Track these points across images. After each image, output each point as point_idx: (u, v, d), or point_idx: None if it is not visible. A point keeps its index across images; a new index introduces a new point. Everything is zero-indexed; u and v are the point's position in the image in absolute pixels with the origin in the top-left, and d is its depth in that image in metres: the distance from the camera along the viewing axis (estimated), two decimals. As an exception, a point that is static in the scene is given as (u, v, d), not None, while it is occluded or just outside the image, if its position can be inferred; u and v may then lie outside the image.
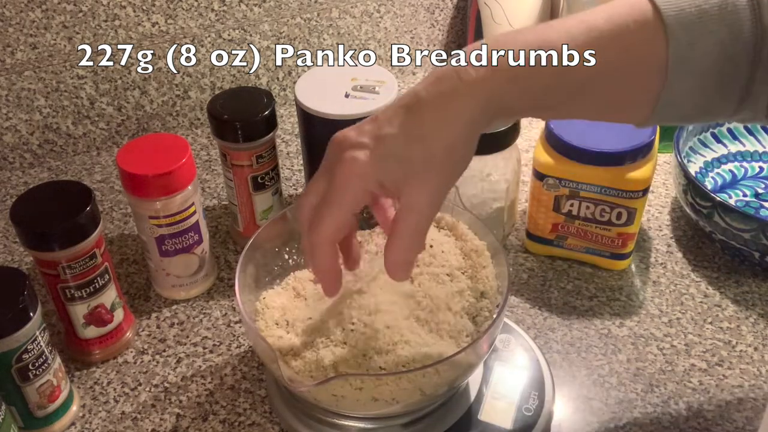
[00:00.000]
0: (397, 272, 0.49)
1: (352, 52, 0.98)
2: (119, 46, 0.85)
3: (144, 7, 0.84)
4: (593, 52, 0.46)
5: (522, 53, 0.46)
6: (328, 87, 0.70)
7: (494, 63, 0.46)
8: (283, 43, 0.93)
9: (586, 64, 0.46)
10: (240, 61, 0.92)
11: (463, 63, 0.46)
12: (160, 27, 0.86)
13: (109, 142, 0.91)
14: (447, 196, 0.49)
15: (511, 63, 0.46)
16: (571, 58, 0.46)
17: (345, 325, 0.55)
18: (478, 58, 0.46)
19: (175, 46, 0.88)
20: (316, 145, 0.71)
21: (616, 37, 0.47)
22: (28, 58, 0.83)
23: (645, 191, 0.67)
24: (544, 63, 0.46)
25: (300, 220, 0.50)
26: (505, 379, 0.60)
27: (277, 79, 0.96)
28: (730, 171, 0.82)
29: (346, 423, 0.57)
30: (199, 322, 0.69)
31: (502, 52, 0.46)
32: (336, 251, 0.50)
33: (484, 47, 0.46)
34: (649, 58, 0.46)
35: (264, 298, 0.60)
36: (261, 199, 0.73)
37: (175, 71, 0.89)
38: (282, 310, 0.59)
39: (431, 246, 0.60)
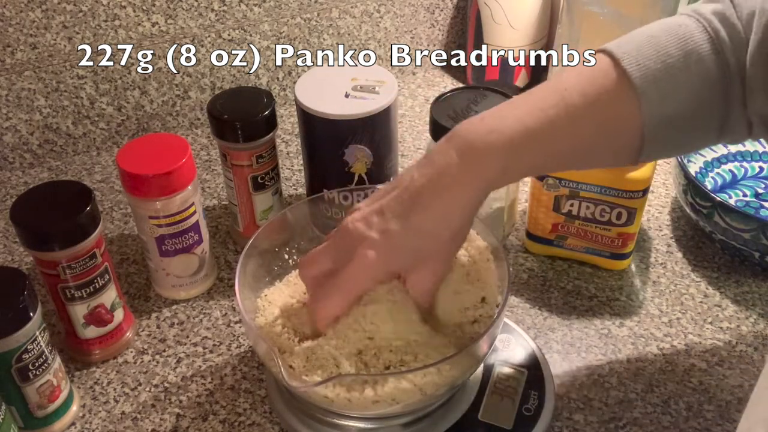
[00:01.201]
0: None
1: (352, 52, 0.98)
2: (119, 46, 0.85)
3: (144, 7, 0.84)
4: (574, 132, 0.50)
5: (503, 141, 0.49)
6: (328, 87, 0.70)
7: (485, 153, 0.49)
8: (283, 43, 0.93)
9: (567, 143, 0.51)
10: (240, 61, 0.92)
11: (450, 156, 0.50)
12: (160, 27, 0.86)
13: (109, 142, 0.91)
14: None
15: (502, 152, 0.49)
16: (553, 139, 0.50)
17: (346, 325, 0.55)
18: (465, 152, 0.50)
19: (175, 46, 0.88)
20: (316, 145, 0.71)
21: (592, 112, 0.50)
22: (28, 58, 0.83)
23: (645, 191, 0.67)
24: (530, 149, 0.50)
25: (303, 278, 0.56)
26: (505, 379, 0.60)
27: (277, 79, 0.96)
28: (730, 171, 0.82)
29: (346, 423, 0.57)
30: (199, 322, 0.69)
31: (485, 141, 0.50)
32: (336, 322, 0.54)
33: (464, 137, 0.50)
34: (626, 123, 0.50)
35: (266, 294, 0.60)
36: (261, 199, 0.73)
37: (175, 71, 0.89)
38: (283, 307, 0.59)
39: None
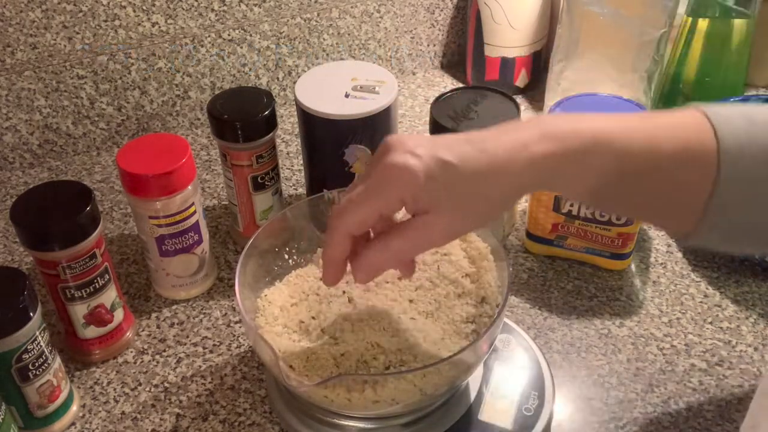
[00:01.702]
0: (361, 271, 0.49)
1: (352, 52, 0.98)
2: (119, 46, 0.85)
3: (144, 7, 0.84)
4: (652, 143, 0.48)
5: (585, 134, 0.47)
6: (328, 87, 0.70)
7: (562, 140, 0.47)
8: (283, 43, 0.93)
9: (643, 154, 0.48)
10: (240, 61, 0.92)
11: (530, 133, 0.47)
12: (160, 27, 0.86)
13: (109, 142, 0.91)
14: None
15: (579, 142, 0.47)
16: (630, 143, 0.47)
17: (346, 325, 0.56)
18: (546, 134, 0.47)
19: (175, 46, 0.88)
20: (316, 145, 0.71)
21: (669, 131, 0.48)
22: (28, 58, 0.83)
23: (645, 191, 0.67)
24: (607, 146, 0.47)
25: (335, 208, 0.49)
26: (505, 379, 0.60)
27: (277, 79, 0.96)
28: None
29: (346, 423, 0.57)
30: (199, 322, 0.69)
31: (570, 129, 0.47)
32: (348, 244, 0.49)
33: (550, 124, 0.48)
34: (702, 155, 0.47)
35: (265, 295, 0.60)
36: (261, 199, 0.73)
37: (175, 71, 0.89)
38: (283, 307, 0.59)
39: (442, 253, 0.60)
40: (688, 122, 0.48)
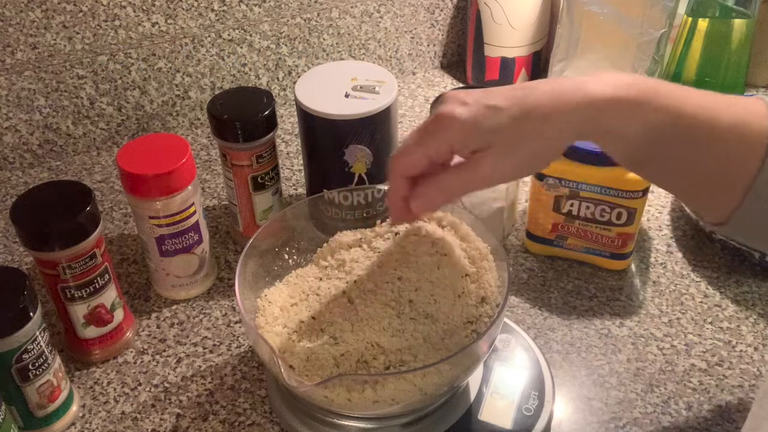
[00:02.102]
0: (415, 202, 0.51)
1: (352, 52, 0.98)
2: (119, 46, 0.85)
3: (144, 7, 0.84)
4: (710, 110, 0.48)
5: (644, 86, 0.47)
6: (328, 87, 0.70)
7: (620, 86, 0.47)
8: (283, 43, 0.93)
9: (699, 118, 0.48)
10: (240, 61, 0.92)
11: (588, 79, 0.48)
12: (160, 27, 0.86)
13: (109, 142, 0.91)
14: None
15: (637, 91, 0.47)
16: (684, 106, 0.48)
17: (346, 325, 0.56)
18: (604, 80, 0.48)
19: (175, 46, 0.88)
20: (316, 145, 0.71)
21: (728, 105, 0.49)
22: (28, 58, 0.83)
23: (645, 191, 0.67)
24: (663, 102, 0.47)
25: (393, 153, 0.52)
26: (505, 379, 0.60)
27: (277, 79, 0.96)
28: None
29: (346, 423, 0.57)
30: (199, 322, 0.69)
31: (629, 81, 0.48)
32: (404, 185, 0.51)
33: (608, 76, 0.48)
34: (754, 134, 0.48)
35: (265, 295, 0.60)
36: (261, 199, 0.73)
37: (175, 71, 0.89)
38: (283, 307, 0.59)
39: (442, 253, 0.60)
40: (747, 103, 0.49)
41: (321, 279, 0.60)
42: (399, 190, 0.52)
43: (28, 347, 0.54)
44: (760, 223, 0.49)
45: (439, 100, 0.50)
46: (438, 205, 0.54)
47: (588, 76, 0.48)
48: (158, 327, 0.69)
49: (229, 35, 0.90)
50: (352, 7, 0.94)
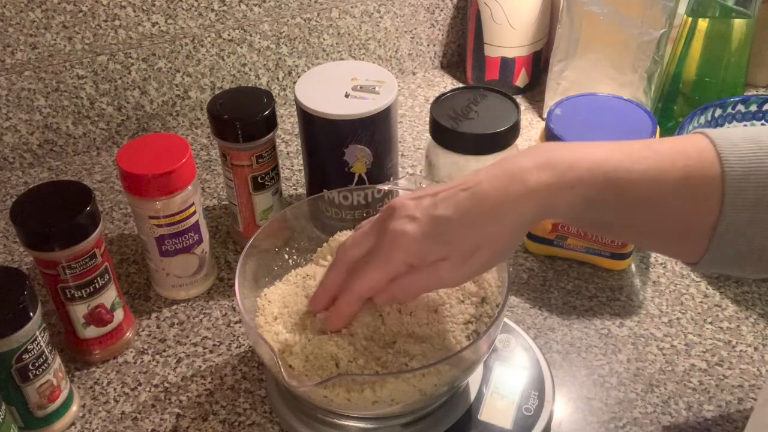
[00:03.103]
0: (383, 299, 0.53)
1: (352, 52, 0.98)
2: (119, 46, 0.85)
3: (144, 7, 0.84)
4: (654, 172, 0.47)
5: (584, 164, 0.48)
6: (328, 87, 0.70)
7: (558, 171, 0.47)
8: (283, 43, 0.93)
9: (645, 183, 0.47)
10: (240, 61, 0.92)
11: (527, 165, 0.48)
12: (160, 27, 0.86)
13: (109, 142, 0.91)
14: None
15: (575, 174, 0.47)
16: (629, 174, 0.47)
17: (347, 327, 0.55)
18: (542, 165, 0.48)
19: (175, 46, 0.88)
20: (316, 145, 0.71)
21: (672, 157, 0.48)
22: (28, 58, 0.83)
23: (645, 191, 0.67)
24: (605, 176, 0.47)
25: (337, 259, 0.54)
26: (505, 379, 0.60)
27: (277, 79, 0.96)
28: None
29: (346, 423, 0.57)
30: (199, 322, 0.69)
31: (567, 160, 0.48)
32: (359, 305, 0.54)
33: (547, 154, 0.48)
34: (706, 183, 0.47)
35: (265, 294, 0.60)
36: (261, 199, 0.73)
37: (175, 71, 0.89)
38: (283, 306, 0.59)
39: None
40: (691, 150, 0.48)
41: (321, 279, 0.60)
42: (354, 310, 0.54)
43: (28, 347, 0.54)
44: (731, 258, 0.49)
45: (385, 209, 0.52)
46: (400, 301, 0.55)
47: (530, 157, 0.49)
48: (158, 327, 0.69)
49: (229, 35, 0.90)
50: (352, 7, 0.94)
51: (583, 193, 0.47)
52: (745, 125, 0.82)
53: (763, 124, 0.80)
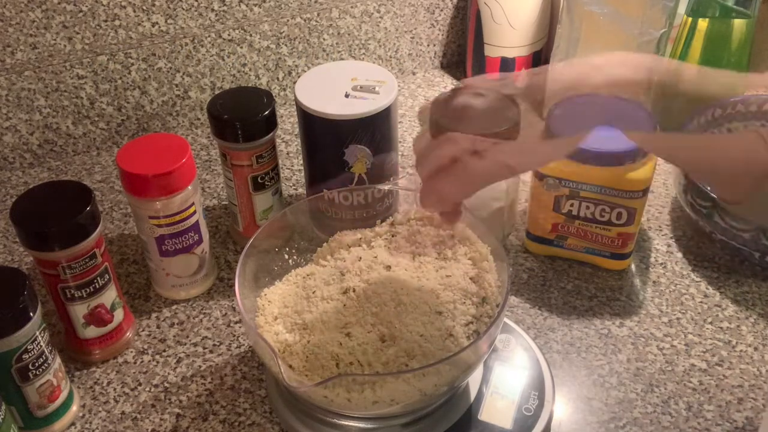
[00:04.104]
0: (427, 201, 0.53)
1: (352, 52, 0.98)
2: (119, 46, 0.85)
3: (144, 7, 0.84)
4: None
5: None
6: (328, 87, 0.70)
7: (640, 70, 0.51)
8: (283, 43, 0.93)
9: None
10: (240, 61, 0.92)
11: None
12: (160, 27, 0.86)
13: (109, 142, 0.91)
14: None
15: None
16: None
17: (346, 325, 0.56)
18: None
19: (175, 46, 0.88)
20: (316, 145, 0.71)
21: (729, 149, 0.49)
22: (28, 58, 0.83)
23: (645, 191, 0.67)
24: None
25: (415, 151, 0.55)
26: (505, 379, 0.60)
27: (277, 79, 0.96)
28: (730, 171, 0.82)
29: (346, 423, 0.57)
30: (199, 322, 0.69)
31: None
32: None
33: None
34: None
35: (265, 294, 0.60)
36: (261, 199, 0.73)
37: (175, 71, 0.89)
38: (283, 306, 0.59)
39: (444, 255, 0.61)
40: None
41: (321, 279, 0.60)
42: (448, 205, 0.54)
43: (28, 347, 0.54)
44: None
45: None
46: (454, 198, 0.54)
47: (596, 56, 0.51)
48: (158, 327, 0.69)
49: (229, 35, 0.90)
50: (352, 7, 0.94)
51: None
52: (745, 126, 0.82)
53: (762, 125, 0.80)
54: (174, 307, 0.71)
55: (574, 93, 0.55)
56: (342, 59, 0.98)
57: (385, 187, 0.67)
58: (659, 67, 0.49)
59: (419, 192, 0.54)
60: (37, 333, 0.55)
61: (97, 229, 0.60)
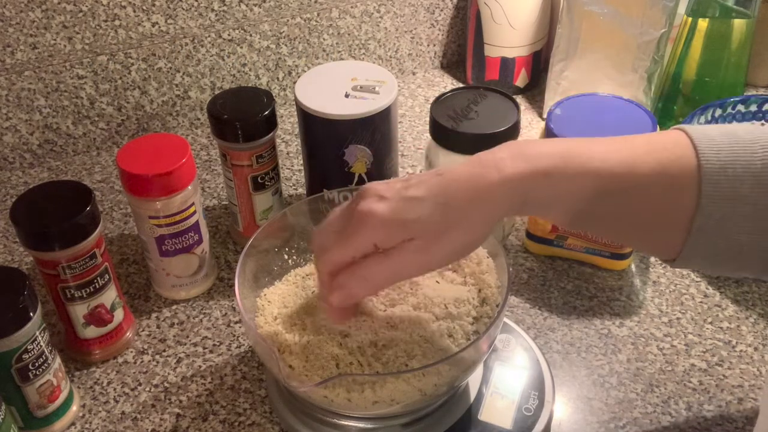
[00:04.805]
0: (337, 297, 0.51)
1: (352, 52, 0.98)
2: (119, 46, 0.85)
3: (144, 7, 0.84)
4: (629, 162, 0.47)
5: (559, 153, 0.47)
6: (328, 87, 0.70)
7: (531, 160, 0.47)
8: (283, 43, 0.93)
9: (621, 173, 0.47)
10: (240, 61, 0.92)
11: (501, 155, 0.48)
12: (160, 27, 0.86)
13: (109, 142, 0.91)
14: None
15: (549, 162, 0.47)
16: (603, 163, 0.47)
17: (346, 325, 0.55)
18: (516, 155, 0.47)
19: (175, 46, 0.88)
20: (316, 145, 0.71)
21: (648, 150, 0.48)
22: (28, 58, 0.83)
23: (645, 191, 0.67)
24: (580, 165, 0.47)
25: (314, 248, 0.53)
26: (505, 379, 0.60)
27: (277, 79, 0.96)
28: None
29: (346, 423, 0.57)
30: (199, 322, 0.69)
31: (541, 150, 0.47)
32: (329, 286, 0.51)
33: (520, 147, 0.48)
34: (683, 175, 0.47)
35: (265, 294, 0.60)
36: (261, 199, 0.73)
37: (175, 71, 0.89)
38: (283, 306, 0.59)
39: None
40: (668, 142, 0.48)
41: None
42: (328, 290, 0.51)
43: (28, 347, 0.54)
44: (710, 254, 0.49)
45: (356, 194, 0.50)
46: (359, 298, 0.53)
47: (505, 149, 0.48)
48: (158, 327, 0.69)
49: (229, 35, 0.90)
50: (352, 7, 0.94)
51: (557, 182, 0.47)
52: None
53: (762, 125, 0.80)
54: (174, 307, 0.71)
55: None
56: (342, 59, 0.98)
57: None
58: (553, 152, 0.48)
59: (323, 288, 0.51)
60: (37, 333, 0.55)
61: (97, 229, 0.60)
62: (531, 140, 0.50)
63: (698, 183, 0.46)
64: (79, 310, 0.62)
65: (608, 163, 0.47)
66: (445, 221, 0.47)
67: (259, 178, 0.71)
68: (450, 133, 0.69)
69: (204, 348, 0.67)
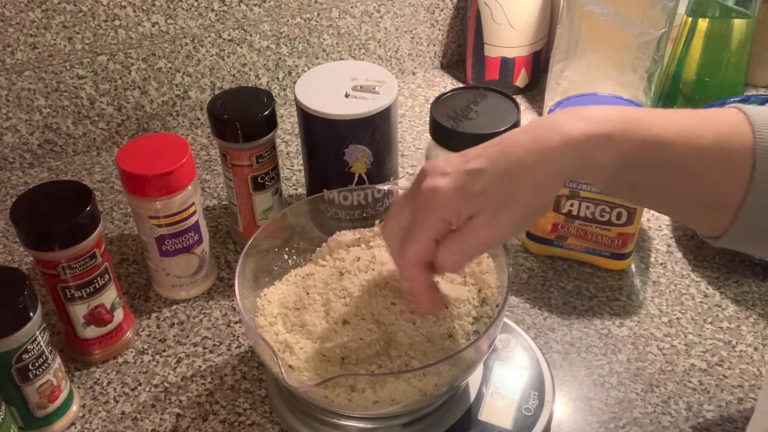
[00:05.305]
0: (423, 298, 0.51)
1: (352, 52, 0.98)
2: (119, 46, 0.85)
3: (144, 7, 0.84)
4: (689, 133, 0.47)
5: (620, 118, 0.47)
6: (328, 87, 0.70)
7: (593, 122, 0.47)
8: (283, 43, 0.93)
9: (680, 142, 0.47)
10: (240, 61, 0.92)
11: (560, 119, 0.48)
12: (160, 27, 0.86)
13: (109, 142, 0.91)
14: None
15: (611, 126, 0.47)
16: (665, 132, 0.47)
17: (345, 325, 0.56)
18: (577, 118, 0.47)
19: (175, 46, 0.88)
20: (316, 145, 0.71)
21: (707, 123, 0.48)
22: (28, 58, 0.83)
23: (645, 191, 0.67)
24: (641, 131, 0.47)
25: (388, 242, 0.52)
26: (505, 379, 0.60)
27: (277, 79, 0.96)
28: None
29: (346, 423, 0.57)
30: (199, 322, 0.69)
31: (602, 114, 0.47)
32: (425, 271, 0.51)
33: (580, 110, 0.48)
34: (738, 152, 0.47)
35: (265, 294, 0.60)
36: (261, 199, 0.73)
37: (175, 71, 0.89)
38: (283, 306, 0.59)
39: None
40: (726, 117, 0.48)
41: (320, 279, 0.60)
42: (421, 280, 0.51)
43: (28, 347, 0.54)
44: (756, 234, 0.49)
45: (417, 174, 0.50)
46: (451, 268, 0.52)
47: (564, 113, 0.48)
48: (158, 327, 0.69)
49: (229, 35, 0.90)
50: (352, 7, 0.94)
51: (619, 147, 0.47)
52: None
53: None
54: (174, 307, 0.71)
55: None
56: (342, 59, 0.98)
57: (385, 187, 0.67)
58: (616, 117, 0.48)
59: (412, 282, 0.51)
60: (37, 333, 0.55)
61: (97, 229, 0.60)
62: (588, 106, 0.49)
63: (753, 160, 0.46)
64: (79, 310, 0.62)
65: (669, 133, 0.47)
66: (509, 189, 0.47)
67: (259, 178, 0.71)
68: (450, 133, 0.69)
69: (204, 348, 0.67)
